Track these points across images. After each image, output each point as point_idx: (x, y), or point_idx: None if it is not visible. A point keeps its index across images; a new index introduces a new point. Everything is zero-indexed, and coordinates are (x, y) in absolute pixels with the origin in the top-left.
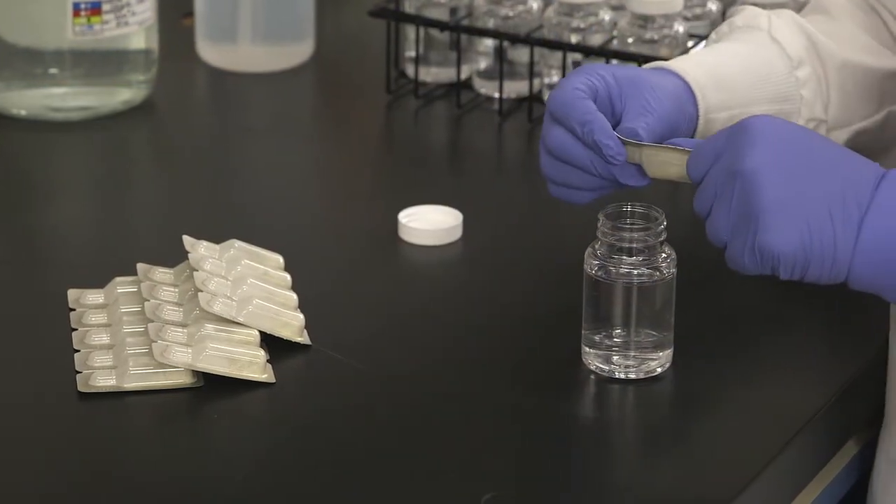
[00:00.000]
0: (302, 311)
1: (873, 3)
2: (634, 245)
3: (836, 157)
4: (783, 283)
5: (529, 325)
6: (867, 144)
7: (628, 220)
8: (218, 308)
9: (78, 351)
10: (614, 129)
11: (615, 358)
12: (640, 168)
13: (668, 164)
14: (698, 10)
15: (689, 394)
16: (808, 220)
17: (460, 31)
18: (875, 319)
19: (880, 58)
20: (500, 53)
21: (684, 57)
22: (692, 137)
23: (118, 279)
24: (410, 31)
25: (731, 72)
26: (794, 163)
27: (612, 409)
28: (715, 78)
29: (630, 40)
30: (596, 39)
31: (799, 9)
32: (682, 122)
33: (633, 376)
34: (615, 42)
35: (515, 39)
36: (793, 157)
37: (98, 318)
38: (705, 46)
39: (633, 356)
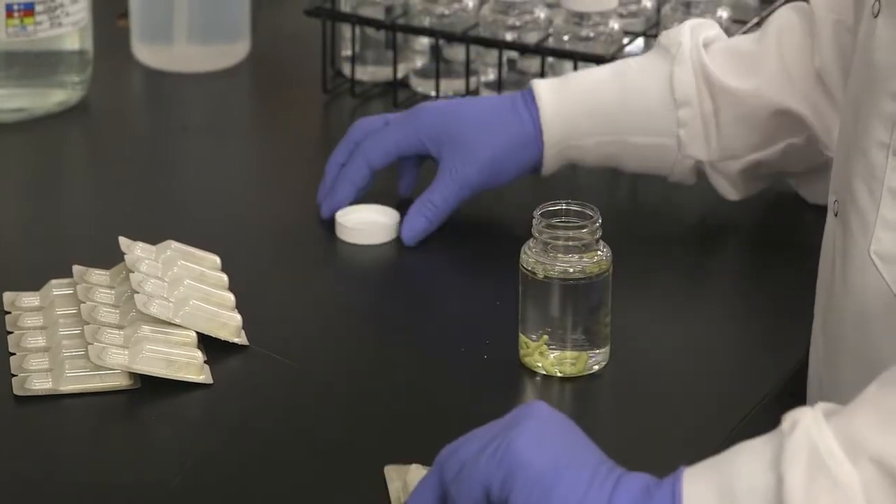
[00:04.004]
0: (239, 312)
1: (816, 21)
2: (570, 243)
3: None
4: (721, 282)
5: (466, 323)
6: (768, 173)
7: (563, 218)
8: (154, 309)
9: (13, 354)
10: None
11: (552, 356)
12: None
13: None
14: (633, 7)
15: (626, 391)
16: None
17: (396, 30)
18: (809, 318)
19: (780, 93)
20: (436, 52)
21: (565, 83)
22: (537, 166)
23: (54, 281)
24: (346, 30)
25: (607, 99)
26: None
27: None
28: (586, 104)
29: (565, 38)
30: (532, 37)
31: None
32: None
33: (570, 374)
34: (551, 40)
35: (451, 38)
36: None
37: (34, 320)
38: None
39: (570, 354)
